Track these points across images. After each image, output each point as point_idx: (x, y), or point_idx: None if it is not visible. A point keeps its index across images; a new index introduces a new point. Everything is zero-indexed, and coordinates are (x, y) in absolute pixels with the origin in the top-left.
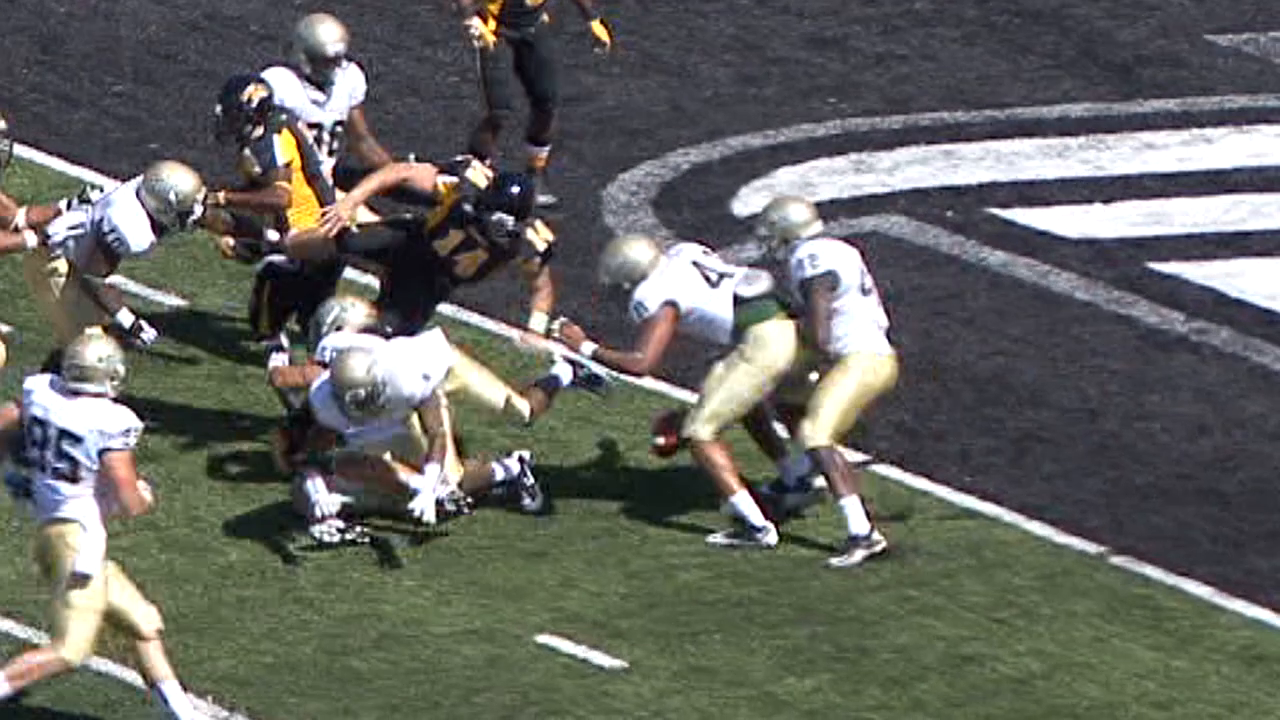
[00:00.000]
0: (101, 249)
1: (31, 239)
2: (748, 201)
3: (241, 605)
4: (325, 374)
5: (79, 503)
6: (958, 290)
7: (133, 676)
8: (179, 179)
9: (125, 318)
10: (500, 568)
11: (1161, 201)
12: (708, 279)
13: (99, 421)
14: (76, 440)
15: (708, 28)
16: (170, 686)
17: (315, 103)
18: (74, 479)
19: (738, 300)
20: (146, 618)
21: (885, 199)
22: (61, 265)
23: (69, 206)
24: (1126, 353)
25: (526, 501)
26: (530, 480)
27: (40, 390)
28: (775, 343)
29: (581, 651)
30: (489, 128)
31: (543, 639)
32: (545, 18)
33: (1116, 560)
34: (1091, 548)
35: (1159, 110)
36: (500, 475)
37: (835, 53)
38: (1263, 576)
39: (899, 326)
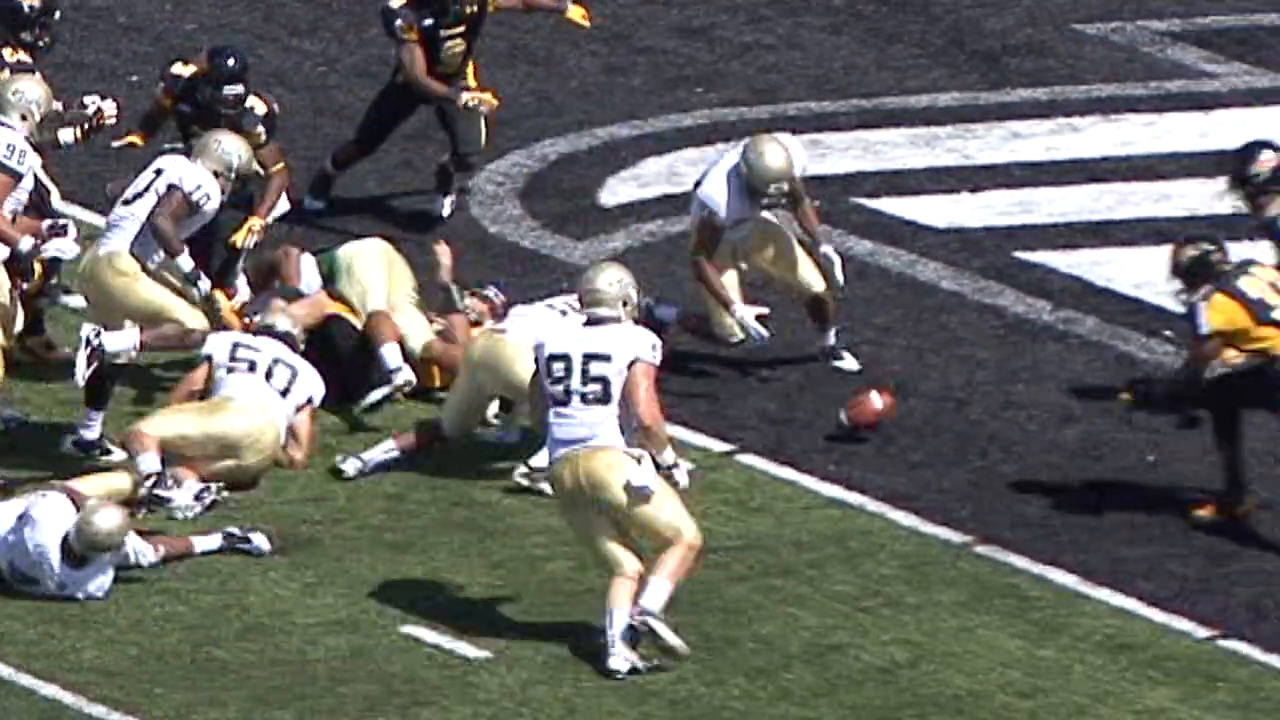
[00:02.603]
0: (186, 205)
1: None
2: (615, 192)
3: (107, 596)
4: None
5: (610, 426)
6: None
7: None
8: (237, 145)
9: (185, 262)
10: (366, 559)
11: (1029, 190)
12: None
13: (626, 337)
14: (605, 359)
15: None
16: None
17: (740, 207)
18: (605, 399)
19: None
20: None
21: None
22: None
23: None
24: (993, 342)
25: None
26: (245, 544)
27: (546, 326)
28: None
29: (446, 642)
30: (356, 150)
31: (407, 629)
32: (475, 101)
33: (982, 549)
34: (957, 537)
35: (1026, 99)
36: (200, 549)
37: (702, 42)
38: (1128, 565)
39: (768, 315)
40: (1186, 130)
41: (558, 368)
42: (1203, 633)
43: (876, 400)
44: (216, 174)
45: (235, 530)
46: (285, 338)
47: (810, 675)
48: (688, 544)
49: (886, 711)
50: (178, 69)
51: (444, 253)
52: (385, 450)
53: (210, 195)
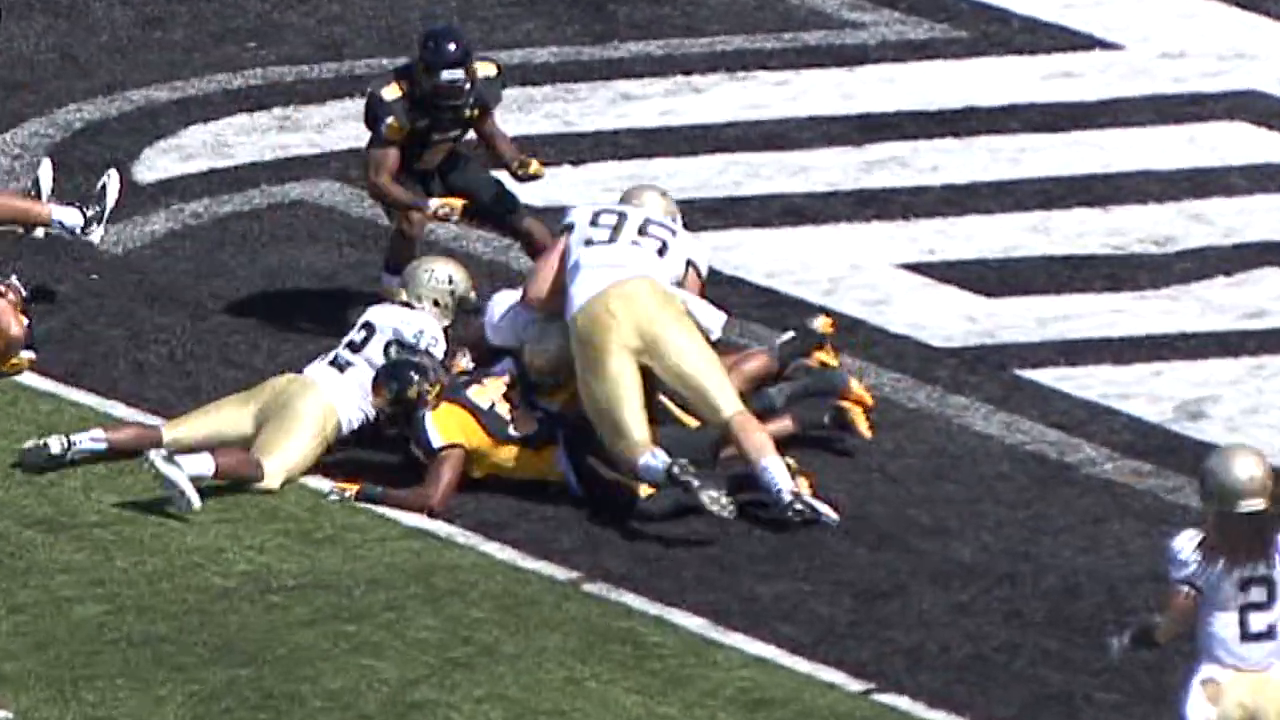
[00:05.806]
0: None
1: None
2: (153, 165)
3: None
4: None
5: (652, 265)
6: None
7: None
8: None
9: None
10: None
11: (642, 162)
12: None
13: (687, 236)
14: (669, 230)
15: None
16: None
17: None
18: (661, 253)
19: None
20: None
21: (315, 161)
22: None
23: None
24: None
25: None
26: None
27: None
28: None
29: None
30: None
31: None
32: (446, 209)
33: (591, 588)
34: (562, 573)
35: (638, 54)
36: None
37: None
38: (765, 606)
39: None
40: (827, 90)
41: (606, 219)
42: (855, 685)
43: None
44: None
45: None
46: None
47: None
48: (735, 416)
49: None
50: None
51: None
52: (93, 438)
53: None
